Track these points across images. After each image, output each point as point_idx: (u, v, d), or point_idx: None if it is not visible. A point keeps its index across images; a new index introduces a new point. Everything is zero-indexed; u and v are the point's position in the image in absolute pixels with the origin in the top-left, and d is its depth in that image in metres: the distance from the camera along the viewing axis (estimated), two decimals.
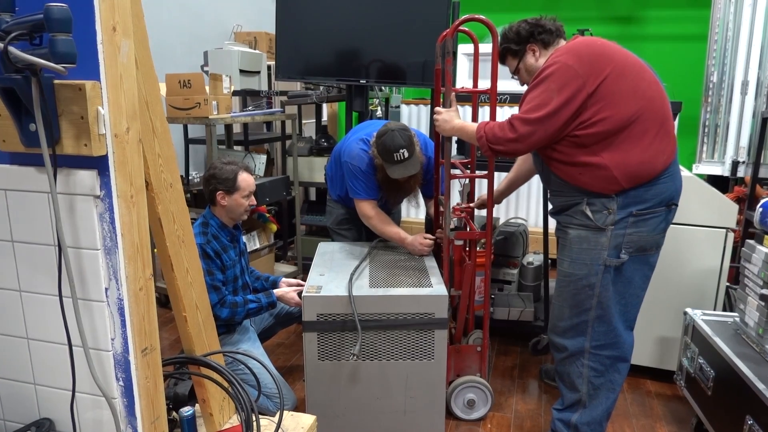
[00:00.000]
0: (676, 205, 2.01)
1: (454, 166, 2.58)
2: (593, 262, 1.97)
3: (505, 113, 4.22)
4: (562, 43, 2.04)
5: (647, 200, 1.92)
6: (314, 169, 4.14)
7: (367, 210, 2.63)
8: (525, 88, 2.11)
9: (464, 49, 3.10)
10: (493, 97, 2.24)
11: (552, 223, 2.40)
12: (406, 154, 2.43)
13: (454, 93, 2.27)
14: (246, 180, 2.36)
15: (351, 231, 2.91)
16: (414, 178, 2.58)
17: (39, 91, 1.01)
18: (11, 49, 0.94)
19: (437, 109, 2.28)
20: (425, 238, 2.59)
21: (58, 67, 0.93)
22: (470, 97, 3.59)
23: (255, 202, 2.44)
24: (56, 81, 1.07)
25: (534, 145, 1.97)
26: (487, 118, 2.17)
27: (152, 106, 1.32)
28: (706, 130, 3.47)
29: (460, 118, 2.24)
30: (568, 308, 2.07)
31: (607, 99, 1.85)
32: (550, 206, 2.22)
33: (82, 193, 1.13)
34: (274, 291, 2.43)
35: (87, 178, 1.12)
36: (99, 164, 1.12)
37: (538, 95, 1.90)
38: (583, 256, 2.00)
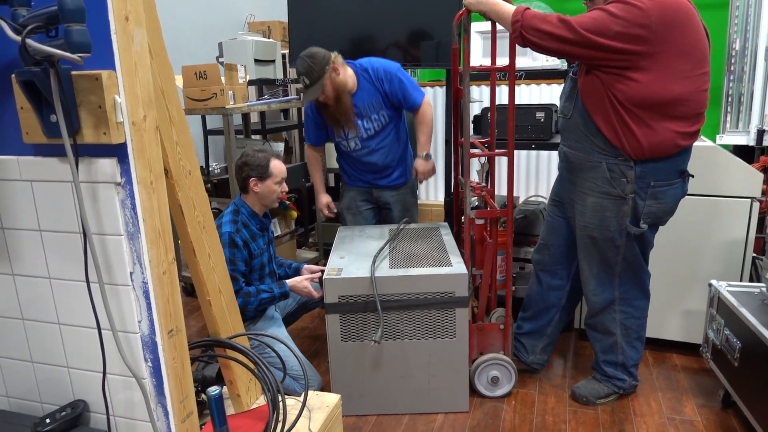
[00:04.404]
0: (691, 175, 2.08)
1: (473, 146, 2.57)
2: (615, 227, 2.08)
3: (524, 90, 4.18)
4: None
5: (664, 172, 1.99)
6: (332, 155, 4.15)
7: (306, 151, 2.96)
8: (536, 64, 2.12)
9: (476, 27, 3.07)
10: (512, 74, 2.21)
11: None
12: (306, 81, 2.51)
13: None
14: (278, 166, 2.39)
15: (357, 217, 2.93)
16: (341, 104, 2.61)
17: (57, 82, 1.04)
18: (29, 41, 0.97)
19: None
20: (329, 206, 2.92)
21: (74, 56, 0.95)
22: (488, 75, 3.55)
23: (287, 189, 2.47)
24: (73, 72, 1.10)
25: (569, 56, 2.00)
26: (505, 97, 2.17)
27: (168, 95, 1.34)
28: (730, 99, 3.38)
29: None
30: (596, 266, 2.21)
31: (657, 71, 1.84)
32: (560, 161, 2.30)
33: (104, 180, 1.16)
34: (288, 281, 2.45)
35: (107, 166, 1.15)
36: (118, 152, 1.15)
37: (606, 18, 1.82)
38: (605, 222, 2.08)
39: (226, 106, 3.19)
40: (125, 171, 1.16)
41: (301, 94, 2.59)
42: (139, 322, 1.23)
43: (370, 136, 2.73)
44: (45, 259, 1.29)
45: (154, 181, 1.21)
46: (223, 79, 3.24)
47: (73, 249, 1.24)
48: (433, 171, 2.75)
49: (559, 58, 2.27)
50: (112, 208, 1.17)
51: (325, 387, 2.44)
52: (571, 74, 2.18)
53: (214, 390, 1.43)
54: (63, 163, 1.19)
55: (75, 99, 1.11)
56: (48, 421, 1.28)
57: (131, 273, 1.21)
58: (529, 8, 1.97)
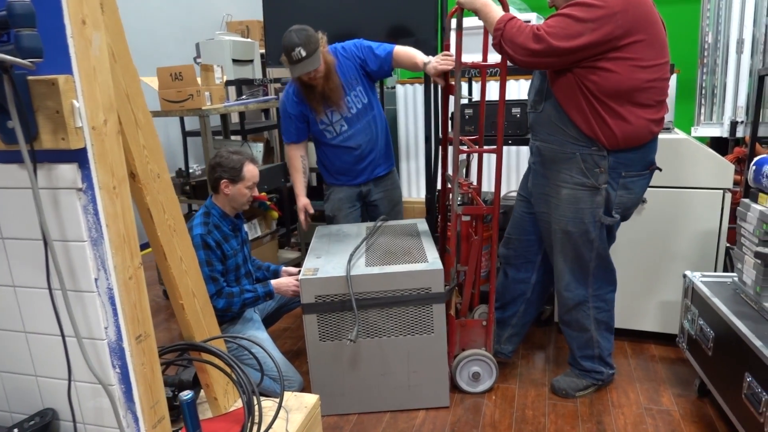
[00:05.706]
0: (659, 168, 2.15)
1: (461, 143, 2.57)
2: (589, 219, 2.11)
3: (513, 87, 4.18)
4: None
5: (635, 163, 2.05)
6: (313, 155, 4.14)
7: (287, 152, 2.89)
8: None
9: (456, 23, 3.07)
10: (503, 71, 2.20)
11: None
12: (303, 53, 2.40)
13: None
14: (251, 171, 2.38)
15: (347, 219, 2.91)
16: (329, 81, 2.55)
17: (12, 87, 1.03)
18: None
19: None
20: (306, 209, 2.84)
21: (26, 62, 0.94)
22: (464, 73, 3.54)
23: (257, 193, 2.46)
24: (29, 77, 1.08)
25: (543, 68, 2.03)
26: (496, 92, 2.19)
27: (133, 98, 1.33)
28: (704, 91, 3.42)
29: None
30: (570, 263, 2.24)
31: (626, 60, 1.90)
32: (532, 156, 2.30)
33: (65, 186, 1.15)
34: (272, 282, 2.45)
35: (68, 171, 1.14)
36: (79, 157, 1.13)
37: (572, 24, 1.86)
38: (579, 215, 2.12)
39: (203, 108, 3.16)
40: (86, 176, 1.15)
41: (292, 68, 2.46)
42: (106, 328, 1.22)
43: (354, 114, 2.70)
44: (8, 267, 1.27)
45: (117, 186, 1.20)
46: (199, 80, 3.21)
47: (37, 256, 1.22)
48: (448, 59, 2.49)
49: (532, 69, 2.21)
50: (74, 214, 1.16)
51: (306, 387, 2.44)
52: None
53: (186, 395, 1.42)
54: (22, 170, 1.18)
55: (32, 104, 1.10)
56: (16, 430, 1.27)
57: (96, 279, 1.19)
58: (514, 18, 1.98)
